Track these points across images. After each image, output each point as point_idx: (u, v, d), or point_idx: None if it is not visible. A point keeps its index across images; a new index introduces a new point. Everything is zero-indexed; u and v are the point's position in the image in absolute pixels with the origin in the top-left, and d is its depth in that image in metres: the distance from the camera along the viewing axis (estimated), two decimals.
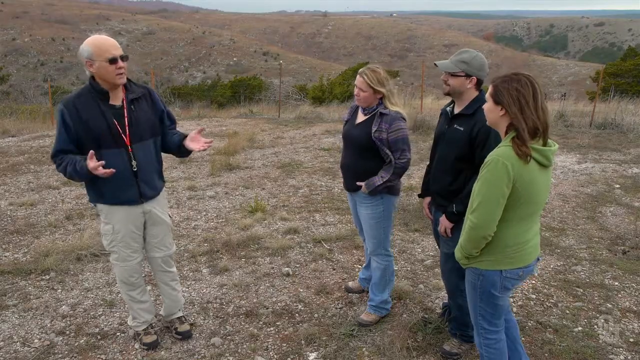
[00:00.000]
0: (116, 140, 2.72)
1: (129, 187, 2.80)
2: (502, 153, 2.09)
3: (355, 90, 3.08)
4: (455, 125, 2.75)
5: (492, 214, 2.12)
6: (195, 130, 2.91)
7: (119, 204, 2.82)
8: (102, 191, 2.79)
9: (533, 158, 2.09)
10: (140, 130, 2.80)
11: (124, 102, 2.77)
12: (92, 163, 2.55)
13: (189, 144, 2.89)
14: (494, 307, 2.36)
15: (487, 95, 2.20)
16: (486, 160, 2.13)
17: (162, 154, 3.03)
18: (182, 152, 2.97)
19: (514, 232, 2.20)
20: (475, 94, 2.71)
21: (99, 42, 2.60)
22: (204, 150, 2.87)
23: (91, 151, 2.57)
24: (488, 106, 2.20)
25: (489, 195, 2.10)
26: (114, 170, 2.60)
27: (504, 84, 2.12)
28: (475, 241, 2.19)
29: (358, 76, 3.04)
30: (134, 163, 2.78)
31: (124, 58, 2.66)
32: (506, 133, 2.17)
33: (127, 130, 2.75)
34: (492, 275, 2.27)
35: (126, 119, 2.75)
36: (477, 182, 2.16)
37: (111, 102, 2.74)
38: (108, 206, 2.83)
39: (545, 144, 2.14)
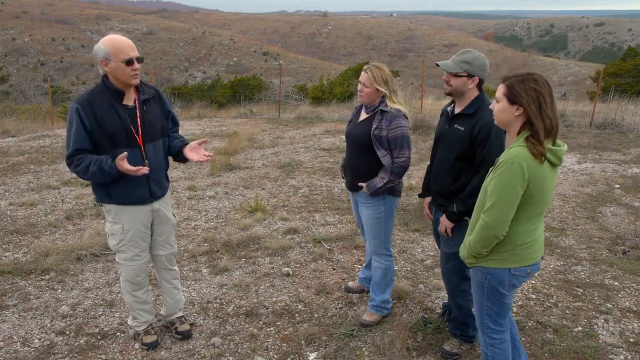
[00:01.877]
0: (130, 140, 2.75)
1: (141, 186, 2.82)
2: (517, 153, 2.08)
3: (359, 86, 3.11)
4: (455, 125, 2.75)
5: (506, 214, 2.13)
6: (198, 140, 2.93)
7: (130, 203, 2.83)
8: (112, 191, 2.79)
9: (546, 158, 2.10)
10: (152, 130, 2.83)
11: (137, 103, 2.79)
12: (127, 165, 2.58)
13: (188, 153, 2.90)
14: (500, 306, 2.36)
15: (500, 95, 2.16)
16: (501, 160, 2.13)
17: None
18: (179, 158, 2.99)
19: (523, 231, 2.21)
20: (476, 93, 2.71)
21: (116, 43, 2.62)
22: (202, 162, 2.89)
23: (125, 153, 2.60)
24: (501, 106, 2.16)
25: (503, 195, 2.10)
26: (147, 170, 2.66)
27: (521, 84, 2.10)
28: (487, 240, 2.20)
29: (362, 72, 3.08)
30: (146, 162, 2.80)
31: (139, 60, 2.69)
32: (518, 133, 2.16)
33: (140, 131, 2.78)
34: (501, 274, 2.27)
35: (139, 119, 2.78)
36: (491, 182, 2.15)
37: (124, 102, 2.76)
38: (117, 206, 2.83)
39: (554, 143, 2.15)
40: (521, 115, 2.12)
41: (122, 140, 2.72)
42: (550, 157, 2.11)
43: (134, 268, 2.96)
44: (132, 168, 2.60)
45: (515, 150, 2.10)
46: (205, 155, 2.88)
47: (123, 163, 2.59)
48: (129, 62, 2.63)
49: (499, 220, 2.14)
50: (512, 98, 2.11)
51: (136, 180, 2.77)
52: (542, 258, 2.37)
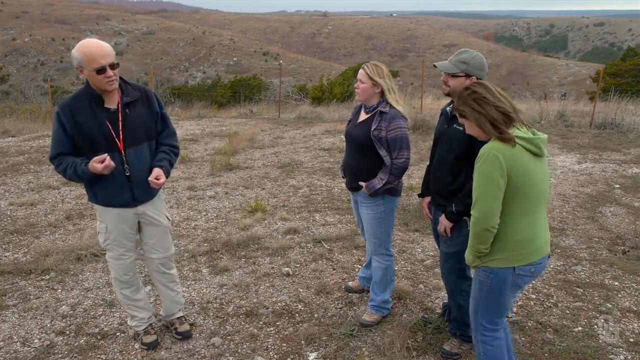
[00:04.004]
0: (110, 144, 2.72)
1: (123, 191, 2.80)
2: (491, 146, 2.19)
3: (356, 84, 3.12)
4: (454, 125, 2.75)
5: (491, 206, 2.18)
6: (155, 174, 2.78)
7: (113, 206, 2.84)
8: (97, 193, 2.82)
9: (525, 148, 2.18)
10: (134, 134, 2.78)
11: (119, 106, 2.76)
12: (97, 165, 2.59)
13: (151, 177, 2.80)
14: (498, 306, 2.38)
15: (460, 120, 2.33)
16: (479, 155, 2.21)
17: None
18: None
19: (519, 226, 2.24)
20: None
21: (88, 51, 2.57)
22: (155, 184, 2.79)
23: (105, 155, 2.62)
24: (466, 127, 2.32)
25: (485, 187, 2.17)
26: (110, 163, 2.62)
27: (459, 101, 2.28)
28: (481, 235, 2.23)
29: (360, 69, 3.09)
30: (126, 167, 2.77)
31: (113, 66, 2.63)
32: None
33: (121, 135, 2.74)
34: (505, 273, 2.29)
35: (120, 123, 2.74)
36: (474, 178, 2.23)
37: (106, 105, 2.74)
38: (101, 207, 2.86)
39: (525, 127, 2.25)
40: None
41: (101, 145, 2.70)
42: (528, 147, 2.19)
43: (121, 267, 2.99)
44: (99, 167, 2.59)
45: (489, 144, 2.21)
46: (154, 182, 2.77)
47: (96, 165, 2.60)
48: (101, 71, 2.58)
49: (485, 213, 2.18)
50: (464, 115, 2.28)
51: (117, 184, 2.77)
52: (548, 257, 2.38)
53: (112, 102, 2.75)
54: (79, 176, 2.69)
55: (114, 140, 2.73)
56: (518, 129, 2.22)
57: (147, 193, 2.91)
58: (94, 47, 2.58)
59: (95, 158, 2.62)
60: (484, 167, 2.16)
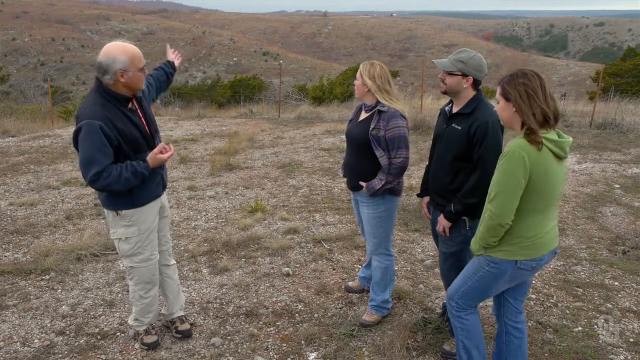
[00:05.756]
0: (147, 140, 2.80)
1: (158, 180, 2.92)
2: (518, 144, 2.17)
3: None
4: (453, 125, 2.76)
5: (510, 203, 2.19)
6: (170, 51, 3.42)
7: (149, 201, 2.87)
8: (135, 195, 2.77)
9: (550, 150, 2.17)
10: (154, 126, 2.91)
11: (134, 104, 2.82)
12: (161, 155, 2.72)
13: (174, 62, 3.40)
14: (484, 292, 2.43)
15: (498, 96, 2.28)
16: (504, 151, 2.21)
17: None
18: (170, 73, 3.39)
19: (530, 223, 2.25)
20: (472, 93, 2.72)
21: (132, 52, 2.63)
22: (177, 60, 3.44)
23: (161, 144, 2.77)
24: (500, 106, 2.28)
25: (506, 184, 2.17)
26: (173, 151, 2.83)
27: (510, 81, 2.22)
28: (494, 230, 2.24)
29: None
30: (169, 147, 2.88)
31: None
32: (522, 128, 2.24)
33: (147, 129, 2.84)
34: (506, 265, 2.31)
35: (143, 119, 2.82)
36: (495, 173, 2.23)
37: (129, 106, 2.81)
38: (136, 209, 2.81)
39: (553, 130, 2.22)
40: (518, 111, 2.22)
41: (141, 143, 2.76)
42: (552, 148, 2.18)
43: (150, 267, 2.97)
44: (165, 156, 2.74)
45: (516, 141, 2.19)
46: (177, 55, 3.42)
47: (161, 156, 2.72)
48: (143, 69, 2.70)
49: (502, 210, 2.19)
50: (506, 96, 2.23)
51: (154, 175, 2.85)
52: (555, 253, 2.40)
53: (130, 102, 2.81)
54: (139, 175, 2.65)
55: (148, 136, 2.82)
56: (547, 130, 2.21)
57: (167, 179, 3.09)
58: (132, 47, 2.66)
59: (155, 150, 2.72)
60: (508, 164, 2.16)
